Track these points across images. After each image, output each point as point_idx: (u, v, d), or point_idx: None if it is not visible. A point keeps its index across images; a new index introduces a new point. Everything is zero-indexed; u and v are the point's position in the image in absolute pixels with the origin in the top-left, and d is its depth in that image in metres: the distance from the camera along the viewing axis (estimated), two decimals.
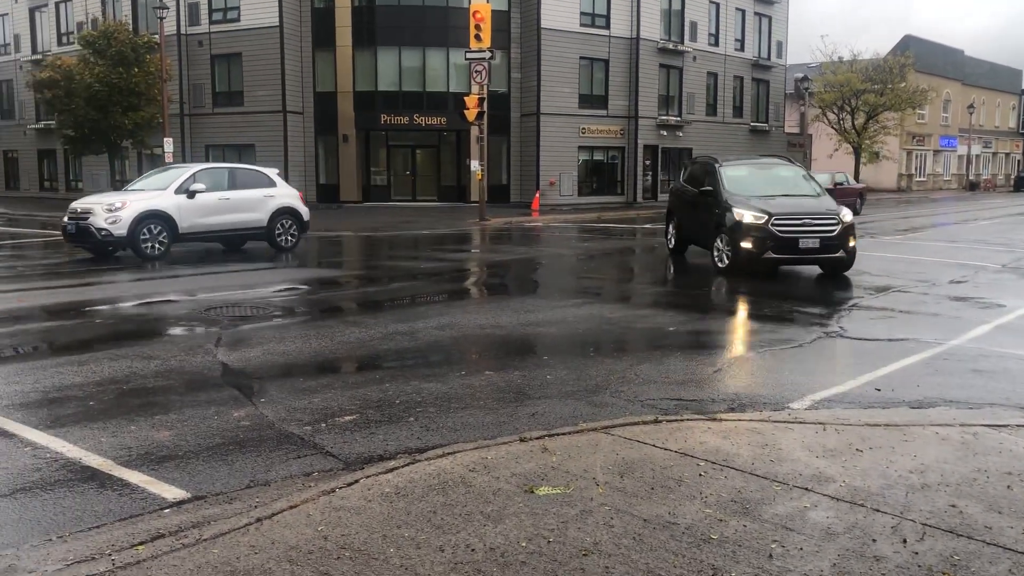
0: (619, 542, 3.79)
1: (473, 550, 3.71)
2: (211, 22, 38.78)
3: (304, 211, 19.40)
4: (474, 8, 28.38)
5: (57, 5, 44.41)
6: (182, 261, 16.67)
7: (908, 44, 60.99)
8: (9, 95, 48.73)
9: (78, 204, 17.09)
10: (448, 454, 4.94)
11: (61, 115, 33.69)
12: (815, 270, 14.08)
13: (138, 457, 5.15)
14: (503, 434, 5.51)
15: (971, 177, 72.19)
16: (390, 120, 38.10)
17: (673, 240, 17.33)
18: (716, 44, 45.75)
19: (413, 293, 12.64)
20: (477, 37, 28.05)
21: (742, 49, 47.56)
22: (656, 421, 5.62)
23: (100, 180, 40.32)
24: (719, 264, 13.91)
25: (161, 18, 31.83)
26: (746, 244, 13.25)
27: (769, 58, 49.52)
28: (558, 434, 5.34)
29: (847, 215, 13.52)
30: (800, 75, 47.44)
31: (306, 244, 20.07)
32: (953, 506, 4.26)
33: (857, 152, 53.55)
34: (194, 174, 17.59)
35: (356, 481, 4.51)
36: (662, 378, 7.19)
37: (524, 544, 3.76)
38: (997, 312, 10.64)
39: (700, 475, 4.64)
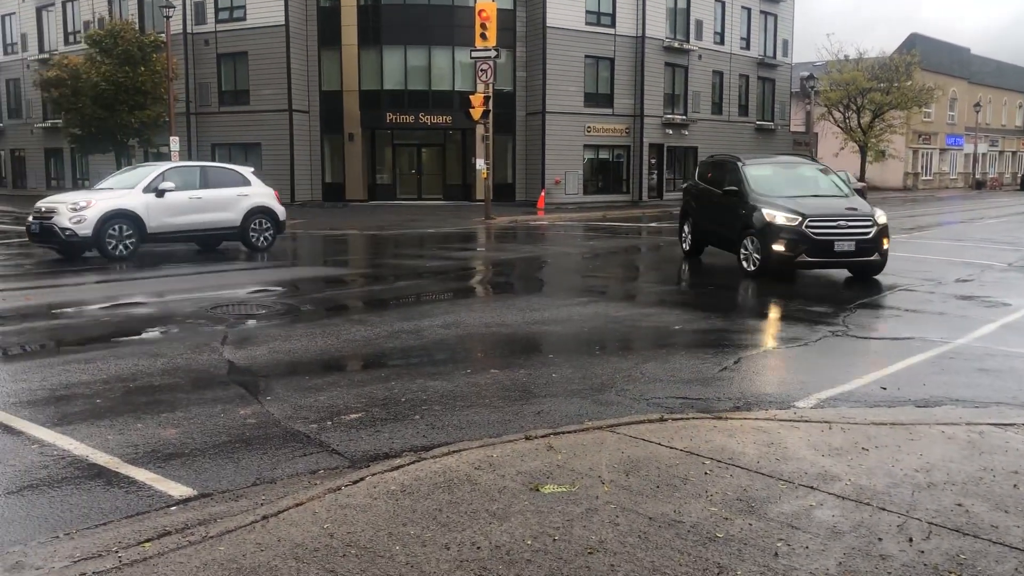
0: (624, 540, 3.79)
1: (479, 548, 3.71)
2: (217, 21, 38.85)
3: (280, 210, 18.99)
4: (480, 7, 28.37)
5: (64, 4, 44.56)
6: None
7: (914, 42, 60.82)
8: (16, 94, 48.90)
9: (43, 203, 16.66)
10: (454, 452, 4.95)
11: (68, 114, 33.81)
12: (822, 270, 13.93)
13: (145, 455, 5.17)
14: (508, 432, 5.52)
15: (977, 176, 71.98)
16: (396, 119, 38.12)
17: (689, 241, 16.71)
18: (721, 43, 45.69)
19: (418, 291, 12.65)
20: (483, 36, 28.05)
21: (748, 48, 47.48)
22: (661, 419, 5.62)
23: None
24: (747, 267, 13.36)
25: (167, 17, 31.85)
26: (778, 247, 12.71)
27: (775, 57, 49.42)
28: (564, 432, 5.34)
29: (881, 216, 13.05)
30: (806, 74, 47.41)
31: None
32: (959, 505, 4.25)
33: (863, 151, 53.45)
34: (163, 172, 17.22)
35: (362, 479, 4.52)
36: (668, 376, 7.18)
37: (529, 542, 3.76)
38: (1003, 311, 10.61)
39: (706, 473, 4.63)
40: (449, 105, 37.52)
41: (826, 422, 5.64)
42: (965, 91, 71.52)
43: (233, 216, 17.94)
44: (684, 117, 43.48)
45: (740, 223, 13.63)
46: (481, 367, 7.71)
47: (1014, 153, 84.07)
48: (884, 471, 4.72)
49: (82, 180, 45.25)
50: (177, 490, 4.63)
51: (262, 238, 18.44)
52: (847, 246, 12.63)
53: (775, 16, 49.17)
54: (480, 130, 30.90)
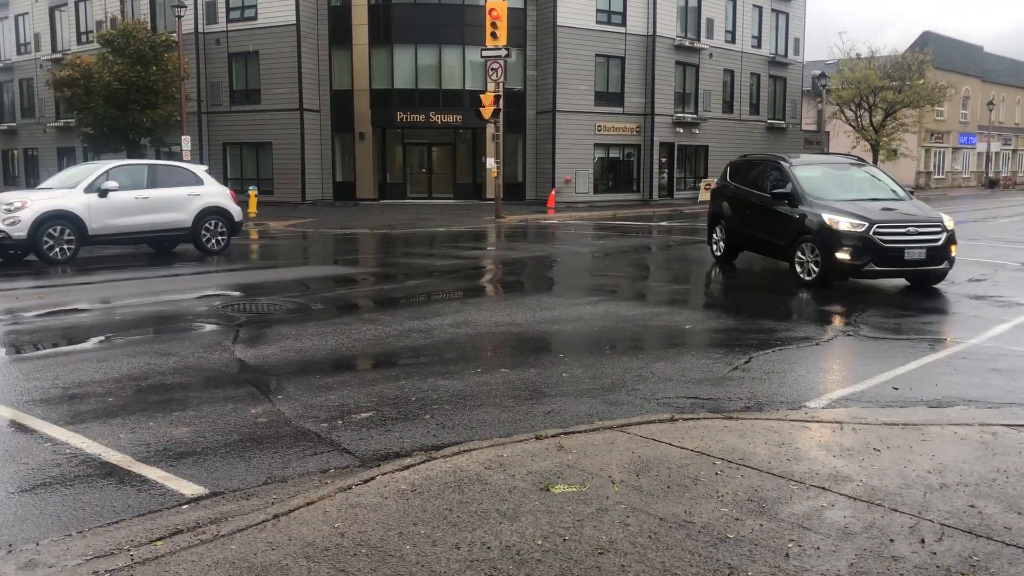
0: (635, 541, 3.79)
1: (489, 548, 3.71)
2: (228, 20, 38.98)
3: (235, 211, 18.20)
4: (490, 6, 28.39)
5: (77, 4, 44.76)
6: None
7: (927, 40, 60.48)
8: (29, 93, 49.16)
9: None
10: (464, 452, 4.95)
11: (80, 113, 33.97)
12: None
13: (156, 453, 5.19)
14: (519, 432, 5.52)
15: (990, 175, 71.53)
16: (406, 118, 38.17)
17: (722, 246, 15.71)
18: (733, 41, 45.55)
19: (429, 290, 12.66)
20: (493, 35, 28.06)
21: (759, 46, 47.31)
22: (672, 420, 5.61)
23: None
24: (803, 276, 12.42)
25: (179, 16, 32.00)
26: (842, 255, 11.80)
27: (786, 55, 49.24)
28: (574, 432, 5.34)
29: (949, 221, 12.18)
30: (817, 72, 47.21)
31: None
32: (972, 506, 4.23)
33: (875, 149, 53.16)
34: (107, 171, 16.46)
35: (372, 478, 4.53)
36: (678, 376, 7.17)
37: (540, 542, 3.76)
38: (1017, 311, 10.54)
39: (716, 474, 4.62)
40: (459, 104, 37.55)
41: (838, 422, 5.62)
42: (978, 89, 71.10)
43: (183, 217, 17.19)
44: (695, 116, 43.38)
45: (792, 229, 12.72)
46: (491, 366, 7.71)
47: None
48: (896, 472, 4.70)
49: None
50: (189, 489, 4.65)
51: (215, 240, 17.70)
52: (917, 254, 11.74)
53: (786, 15, 48.99)
54: (490, 129, 30.92)
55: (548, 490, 4.36)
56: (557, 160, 38.88)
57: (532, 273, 15.31)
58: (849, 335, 9.10)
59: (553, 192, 36.81)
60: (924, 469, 4.75)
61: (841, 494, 4.36)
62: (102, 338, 8.84)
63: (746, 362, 7.70)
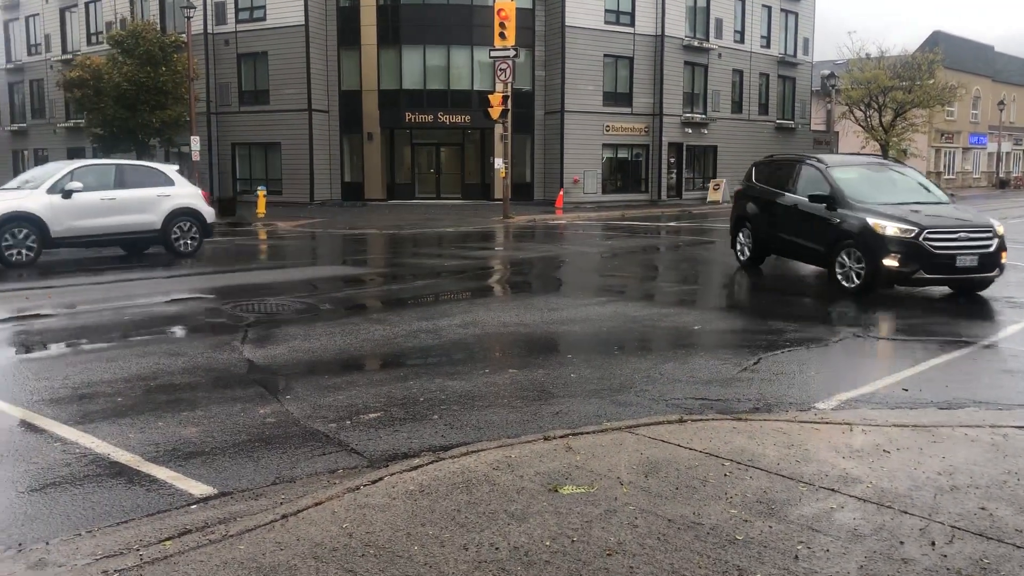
0: (643, 542, 3.78)
1: (497, 549, 3.71)
2: (237, 21, 39.09)
3: (207, 212, 17.53)
4: (499, 6, 28.39)
5: (87, 5, 44.97)
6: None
7: (937, 40, 60.25)
8: (40, 94, 49.41)
9: None
10: (472, 452, 4.95)
11: (90, 114, 34.10)
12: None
13: (165, 453, 5.20)
14: (527, 433, 5.51)
15: (1001, 175, 71.18)
16: (414, 118, 38.21)
17: (747, 250, 15.01)
18: (741, 41, 45.47)
19: (437, 291, 12.66)
20: (502, 35, 28.07)
21: (768, 46, 47.22)
22: (681, 421, 5.60)
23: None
24: (845, 284, 11.76)
25: (188, 17, 32.13)
26: (890, 262, 11.15)
27: (795, 55, 49.13)
28: (582, 433, 5.33)
29: (1000, 226, 11.66)
30: (827, 72, 47.01)
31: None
32: (983, 508, 4.21)
33: (885, 150, 52.94)
34: (72, 171, 15.91)
35: (381, 479, 4.53)
36: (687, 377, 7.15)
37: (548, 543, 3.76)
38: None
39: (725, 475, 4.61)
40: (468, 104, 37.57)
41: (847, 424, 5.60)
42: (989, 89, 70.77)
43: (152, 218, 16.59)
44: (704, 116, 43.31)
45: (831, 233, 12.13)
46: (499, 367, 7.70)
47: None
48: (906, 474, 4.68)
49: None
50: (197, 488, 4.66)
51: (186, 242, 17.09)
52: (969, 261, 11.12)
53: (795, 14, 48.88)
54: (499, 129, 30.94)
55: (556, 491, 4.36)
56: (565, 160, 38.87)
57: (540, 273, 15.30)
58: (859, 336, 9.06)
59: (561, 192, 36.79)
60: (934, 471, 4.73)
61: (851, 496, 4.34)
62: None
63: (755, 363, 7.68)
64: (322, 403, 6.28)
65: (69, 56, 43.45)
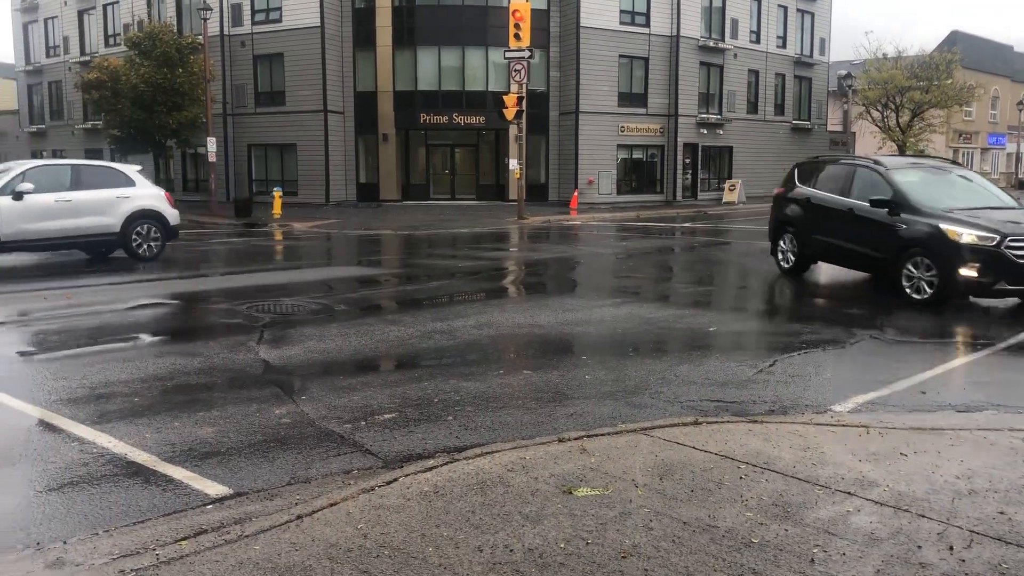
0: (658, 545, 3.77)
1: (511, 550, 3.71)
2: (253, 23, 39.27)
3: (170, 214, 16.83)
4: (514, 7, 28.41)
5: (104, 7, 45.30)
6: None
7: (955, 40, 59.77)
8: (58, 96, 49.81)
9: None
10: (486, 454, 4.95)
11: (108, 115, 34.38)
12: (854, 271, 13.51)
13: (182, 453, 5.23)
14: (541, 434, 5.51)
15: (1020, 175, 70.52)
16: (429, 119, 38.27)
17: (791, 257, 14.12)
18: (757, 41, 45.27)
19: (451, 292, 12.67)
20: (516, 36, 28.08)
21: (784, 46, 46.99)
22: (696, 423, 5.57)
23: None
24: (914, 295, 10.98)
25: (205, 19, 32.30)
26: (967, 272, 10.40)
27: (811, 55, 48.87)
28: (597, 435, 5.32)
29: None
30: (843, 72, 46.79)
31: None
32: (1002, 513, 4.17)
33: (902, 150, 52.59)
34: (24, 172, 15.24)
35: (395, 480, 4.54)
36: (702, 379, 7.13)
37: (562, 545, 3.75)
38: None
39: (740, 478, 4.59)
40: (482, 105, 37.59)
41: (864, 426, 5.56)
42: (1008, 89, 70.14)
43: (111, 221, 15.91)
44: (719, 116, 43.15)
45: (895, 241, 11.37)
46: (514, 368, 7.70)
47: None
48: (924, 477, 4.64)
49: None
50: (213, 489, 4.68)
51: (147, 246, 16.38)
52: None
53: (812, 14, 48.63)
54: (513, 130, 30.95)
55: (571, 493, 4.35)
56: (580, 161, 38.82)
57: (555, 275, 15.29)
58: (875, 338, 9.00)
59: (576, 193, 36.75)
60: (952, 475, 4.69)
61: (867, 499, 4.31)
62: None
63: (771, 365, 7.64)
64: (337, 404, 6.29)
65: (87, 58, 43.80)
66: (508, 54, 28.89)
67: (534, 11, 32.20)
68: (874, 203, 11.80)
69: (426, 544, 3.77)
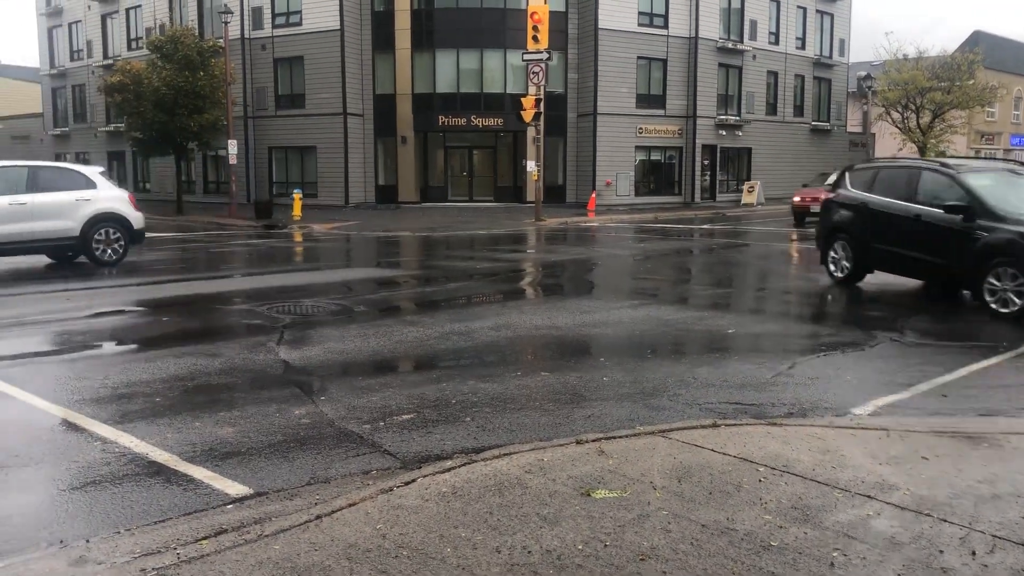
0: (676, 547, 3.76)
1: (530, 552, 3.71)
2: (274, 26, 39.51)
3: (134, 217, 16.09)
4: (532, 9, 28.45)
5: (127, 11, 45.72)
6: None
7: (977, 40, 59.21)
8: (82, 99, 50.33)
9: None
10: (504, 455, 4.96)
11: (130, 118, 34.67)
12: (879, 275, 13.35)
13: (202, 453, 5.27)
14: (559, 436, 5.51)
15: None
16: (448, 121, 38.36)
17: (847, 265, 13.13)
18: (776, 43, 45.05)
19: (469, 293, 12.70)
20: (535, 38, 28.09)
21: (803, 47, 46.75)
22: (715, 425, 5.56)
23: (166, 181, 41.46)
24: (999, 308, 10.28)
25: (226, 23, 32.56)
26: None
27: (831, 56, 48.59)
28: (615, 437, 5.31)
29: None
30: (863, 73, 46.40)
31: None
32: None
33: (922, 151, 52.14)
34: None
35: (413, 480, 4.55)
36: (720, 381, 7.10)
37: (580, 547, 3.75)
38: None
39: (759, 481, 4.57)
40: (501, 107, 37.64)
41: (884, 429, 5.52)
42: None
43: (71, 224, 15.22)
44: (738, 118, 42.97)
45: (975, 250, 10.61)
46: (531, 369, 7.70)
47: None
48: (945, 481, 4.60)
49: (143, 183, 46.54)
50: (233, 488, 4.71)
51: (110, 250, 15.72)
52: None
53: (831, 15, 48.35)
54: (531, 132, 30.94)
55: (589, 495, 4.35)
56: (598, 163, 38.78)
57: (572, 276, 15.28)
58: (896, 340, 8.93)
59: (594, 195, 36.70)
60: (975, 479, 4.65)
61: (888, 503, 4.28)
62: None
63: (790, 367, 7.60)
64: (356, 404, 6.32)
65: (110, 61, 44.19)
66: (526, 56, 28.91)
67: (552, 13, 32.20)
68: (949, 209, 10.95)
69: (444, 545, 3.78)
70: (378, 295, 12.86)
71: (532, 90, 29.38)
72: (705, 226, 28.30)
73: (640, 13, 39.41)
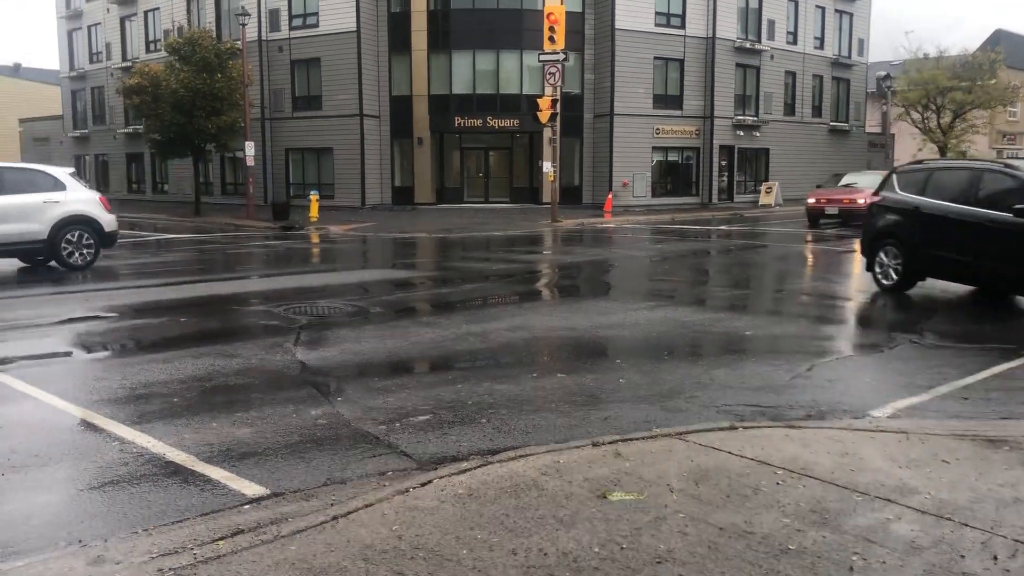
0: (693, 550, 3.73)
1: (546, 554, 3.70)
2: (291, 28, 39.68)
3: (105, 219, 15.58)
4: (548, 10, 28.41)
5: (146, 14, 46.06)
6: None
7: (999, 39, 58.66)
8: (100, 101, 50.76)
9: None
10: (520, 457, 4.94)
11: (148, 120, 34.93)
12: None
13: (219, 453, 5.29)
14: (575, 438, 5.49)
15: None
16: (464, 123, 38.39)
17: (894, 273, 12.46)
18: (795, 42, 44.79)
19: (485, 294, 12.70)
20: (551, 39, 28.05)
21: (822, 47, 46.46)
22: (732, 428, 5.52)
23: (184, 183, 41.75)
24: None
25: (243, 25, 32.72)
26: None
27: (850, 56, 48.26)
28: (631, 439, 5.29)
29: None
30: (882, 73, 46.08)
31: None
32: None
33: (943, 152, 51.68)
34: None
35: (429, 481, 4.55)
36: (738, 383, 7.06)
37: (597, 550, 3.73)
38: None
39: (777, 484, 4.53)
40: (517, 108, 37.62)
41: (904, 432, 5.47)
42: None
43: (37, 228, 14.65)
44: (756, 118, 42.76)
45: None
46: (548, 371, 7.69)
47: None
48: (966, 485, 4.55)
49: (161, 184, 46.90)
50: (250, 489, 4.73)
51: (79, 254, 15.15)
52: None
53: (850, 15, 48.02)
54: (547, 133, 30.92)
55: (605, 497, 4.33)
56: (614, 163, 38.69)
57: (589, 277, 15.25)
58: (915, 342, 8.85)
59: (610, 196, 36.63)
60: (996, 483, 4.59)
61: (908, 507, 4.24)
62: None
63: (808, 369, 7.55)
64: (372, 405, 6.33)
65: (128, 63, 44.53)
66: (542, 57, 28.88)
67: (568, 14, 32.15)
68: (1020, 212, 10.25)
69: (460, 546, 3.77)
70: (394, 296, 12.87)
71: (548, 91, 29.35)
72: (723, 227, 28.18)
73: (657, 13, 39.29)
